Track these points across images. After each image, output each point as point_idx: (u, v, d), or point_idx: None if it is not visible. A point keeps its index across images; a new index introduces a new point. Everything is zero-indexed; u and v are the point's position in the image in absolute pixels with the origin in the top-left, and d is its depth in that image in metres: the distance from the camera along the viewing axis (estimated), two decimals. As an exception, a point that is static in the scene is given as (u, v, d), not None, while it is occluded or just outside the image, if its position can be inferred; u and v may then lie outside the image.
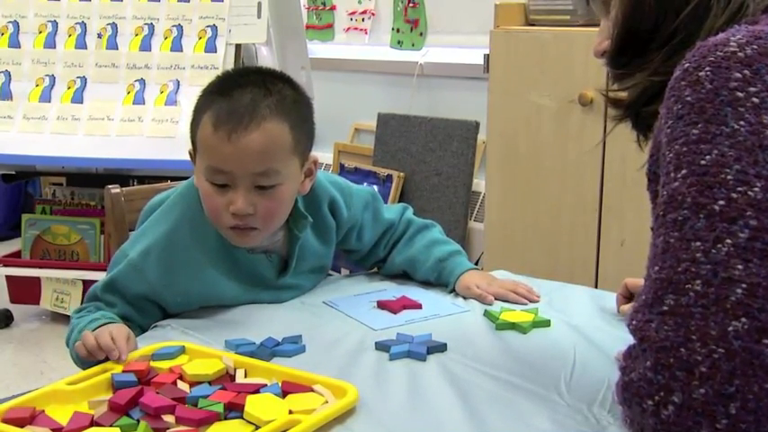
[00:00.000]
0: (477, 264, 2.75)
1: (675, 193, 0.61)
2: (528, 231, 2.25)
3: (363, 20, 3.27)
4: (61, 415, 0.84)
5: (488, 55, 2.29)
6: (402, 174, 2.89)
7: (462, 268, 1.25)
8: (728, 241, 0.58)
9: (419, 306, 1.17)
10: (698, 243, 0.59)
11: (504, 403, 0.86)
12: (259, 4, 2.64)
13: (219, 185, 1.09)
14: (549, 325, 1.09)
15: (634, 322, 0.62)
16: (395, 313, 1.15)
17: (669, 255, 0.60)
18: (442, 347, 1.01)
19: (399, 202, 2.89)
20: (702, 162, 0.60)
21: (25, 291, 2.85)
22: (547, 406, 0.84)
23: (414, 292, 1.23)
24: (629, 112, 0.79)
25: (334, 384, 0.87)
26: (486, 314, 1.12)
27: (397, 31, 3.13)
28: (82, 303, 1.18)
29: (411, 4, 3.07)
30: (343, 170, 3.11)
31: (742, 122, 0.60)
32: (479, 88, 2.49)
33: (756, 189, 0.58)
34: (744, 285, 0.57)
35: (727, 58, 0.62)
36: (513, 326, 1.08)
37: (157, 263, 1.13)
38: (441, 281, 1.26)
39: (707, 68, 0.63)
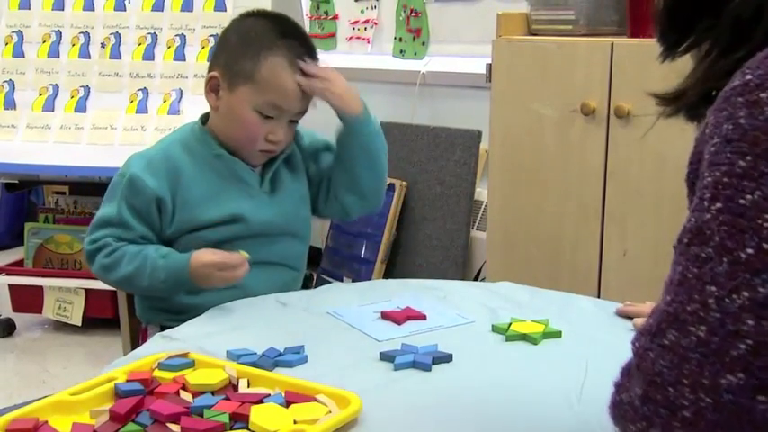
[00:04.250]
0: (479, 273, 2.75)
1: (705, 226, 0.57)
2: (530, 240, 2.25)
3: (366, 29, 3.28)
4: (64, 425, 0.84)
5: (490, 64, 2.29)
6: (404, 183, 2.89)
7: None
8: (745, 294, 0.54)
9: (423, 317, 1.17)
10: (713, 288, 0.56)
11: (512, 415, 0.85)
12: (262, 13, 2.65)
13: (266, 117, 1.27)
14: (560, 336, 1.08)
15: (637, 344, 0.60)
16: (399, 324, 1.15)
17: (683, 289, 0.57)
18: (447, 358, 1.00)
19: (402, 211, 2.89)
20: (741, 201, 0.56)
21: (28, 299, 2.85)
22: (557, 418, 0.84)
23: (418, 303, 1.23)
24: (690, 110, 0.71)
25: (338, 394, 0.87)
26: (494, 328, 1.12)
27: (400, 40, 3.14)
28: (92, 256, 1.29)
29: (413, 14, 3.07)
30: (345, 179, 3.11)
31: None
32: (481, 97, 2.49)
33: None
34: (749, 342, 0.54)
35: None
36: (523, 337, 1.08)
37: (159, 169, 1.28)
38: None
39: None
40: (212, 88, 1.31)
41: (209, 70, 1.32)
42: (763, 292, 0.54)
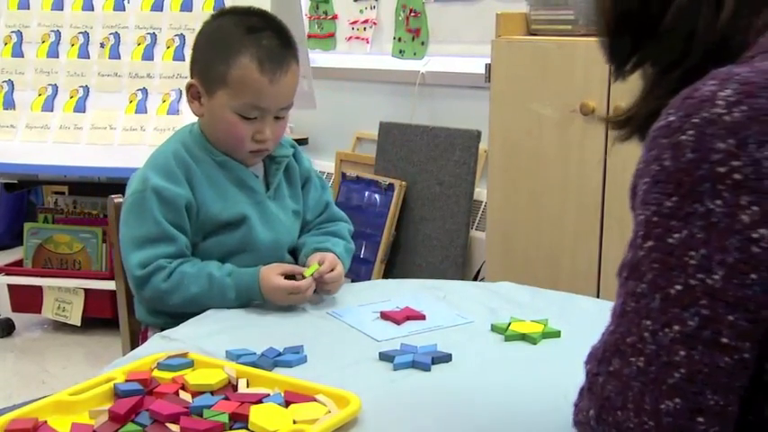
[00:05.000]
0: (478, 273, 2.75)
1: (639, 263, 0.62)
2: (530, 240, 2.25)
3: (365, 29, 3.28)
4: (63, 426, 0.84)
5: (490, 64, 2.29)
6: (404, 182, 2.89)
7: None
8: (676, 327, 0.59)
9: (423, 317, 1.17)
10: (648, 322, 0.60)
11: (511, 414, 0.86)
12: (261, 13, 2.65)
13: (248, 118, 1.25)
14: (560, 336, 1.09)
15: (588, 367, 0.65)
16: (398, 324, 1.15)
17: (623, 321, 0.62)
18: (447, 358, 1.00)
19: (401, 210, 2.89)
20: (670, 240, 0.60)
21: (27, 299, 2.85)
22: (556, 417, 0.84)
23: (417, 303, 1.23)
24: (641, 131, 0.74)
25: (337, 394, 0.87)
26: (493, 328, 1.12)
27: (399, 40, 3.14)
28: (135, 287, 1.26)
29: (413, 14, 3.07)
30: (344, 179, 3.11)
31: (719, 202, 0.58)
32: (481, 97, 2.50)
33: (716, 277, 0.58)
34: (682, 371, 0.59)
35: (712, 122, 0.59)
36: (522, 337, 1.08)
37: (176, 174, 1.25)
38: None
39: (690, 132, 0.59)
40: (193, 96, 1.29)
41: (190, 77, 1.30)
42: (692, 325, 0.59)
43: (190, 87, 1.29)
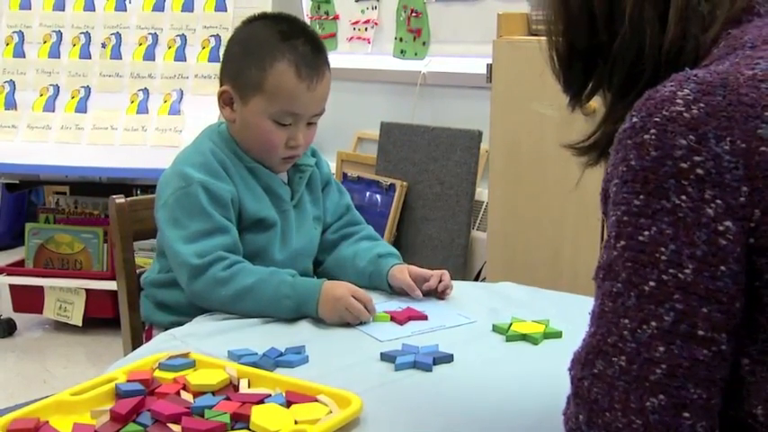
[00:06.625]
0: (479, 273, 2.75)
1: (613, 263, 0.63)
2: (531, 241, 2.25)
3: (366, 29, 3.28)
4: (65, 426, 0.84)
5: (491, 64, 2.29)
6: (405, 183, 2.89)
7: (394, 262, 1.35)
8: (653, 324, 0.60)
9: (425, 317, 1.17)
10: (626, 320, 0.61)
11: (512, 415, 0.86)
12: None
13: (283, 124, 1.24)
14: (561, 336, 1.09)
15: (572, 373, 0.66)
16: (400, 324, 1.15)
17: (603, 322, 0.63)
18: (448, 358, 1.00)
19: (402, 211, 2.89)
20: (640, 238, 0.61)
21: (28, 300, 2.85)
22: (557, 418, 0.84)
23: (419, 304, 1.23)
24: (605, 154, 0.77)
25: (339, 394, 0.87)
26: (495, 328, 1.12)
27: (400, 40, 3.14)
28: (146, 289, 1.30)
29: (414, 14, 3.08)
30: (345, 179, 3.11)
31: (684, 197, 0.60)
32: (482, 98, 2.50)
33: (687, 271, 0.59)
34: (663, 366, 0.60)
35: (672, 119, 0.61)
36: (524, 337, 1.08)
37: (218, 171, 1.24)
38: (375, 273, 1.33)
39: (652, 131, 0.61)
40: (226, 102, 1.28)
41: (220, 84, 1.30)
42: (668, 320, 0.60)
43: (222, 94, 1.28)
